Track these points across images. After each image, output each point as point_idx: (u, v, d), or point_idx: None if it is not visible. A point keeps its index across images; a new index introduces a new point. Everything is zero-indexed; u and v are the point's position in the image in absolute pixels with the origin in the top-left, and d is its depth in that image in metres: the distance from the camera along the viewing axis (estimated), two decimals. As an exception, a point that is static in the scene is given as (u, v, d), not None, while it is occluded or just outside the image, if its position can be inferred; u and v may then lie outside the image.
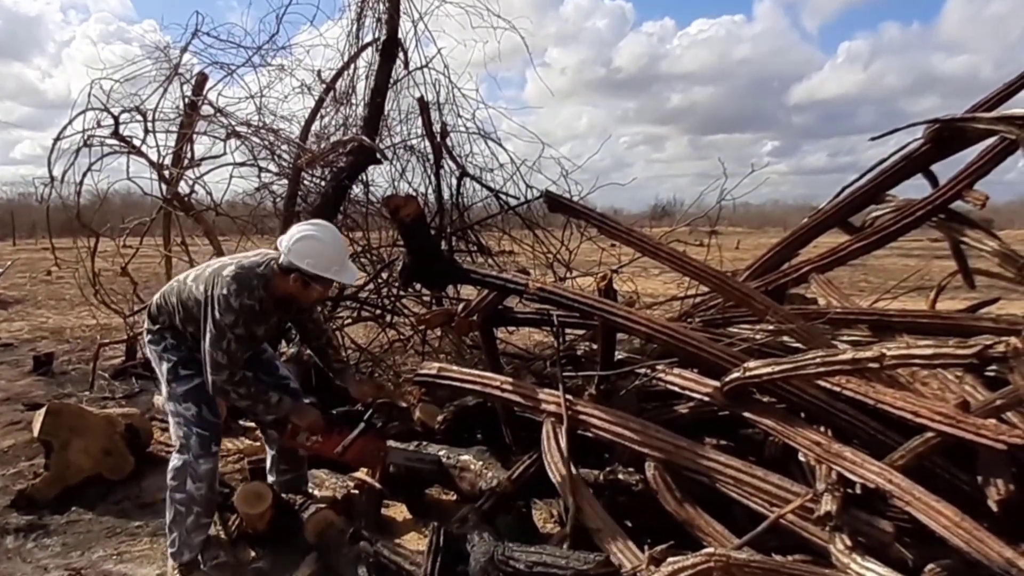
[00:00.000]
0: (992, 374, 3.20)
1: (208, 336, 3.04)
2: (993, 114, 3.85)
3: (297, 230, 3.17)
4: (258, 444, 4.42)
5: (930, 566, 2.49)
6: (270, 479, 3.68)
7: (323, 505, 3.44)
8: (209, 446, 3.21)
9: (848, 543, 2.49)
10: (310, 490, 3.76)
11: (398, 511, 3.96)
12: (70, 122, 5.81)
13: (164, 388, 3.30)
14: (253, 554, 3.38)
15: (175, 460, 3.24)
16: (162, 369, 3.29)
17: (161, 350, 3.29)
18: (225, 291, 3.03)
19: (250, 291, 3.07)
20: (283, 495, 3.54)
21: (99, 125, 5.78)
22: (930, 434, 2.75)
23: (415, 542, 3.54)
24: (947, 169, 4.18)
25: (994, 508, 2.56)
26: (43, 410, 4.21)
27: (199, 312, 3.12)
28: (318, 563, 3.13)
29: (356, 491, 3.75)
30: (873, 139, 4.54)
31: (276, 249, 3.26)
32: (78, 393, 6.19)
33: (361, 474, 3.91)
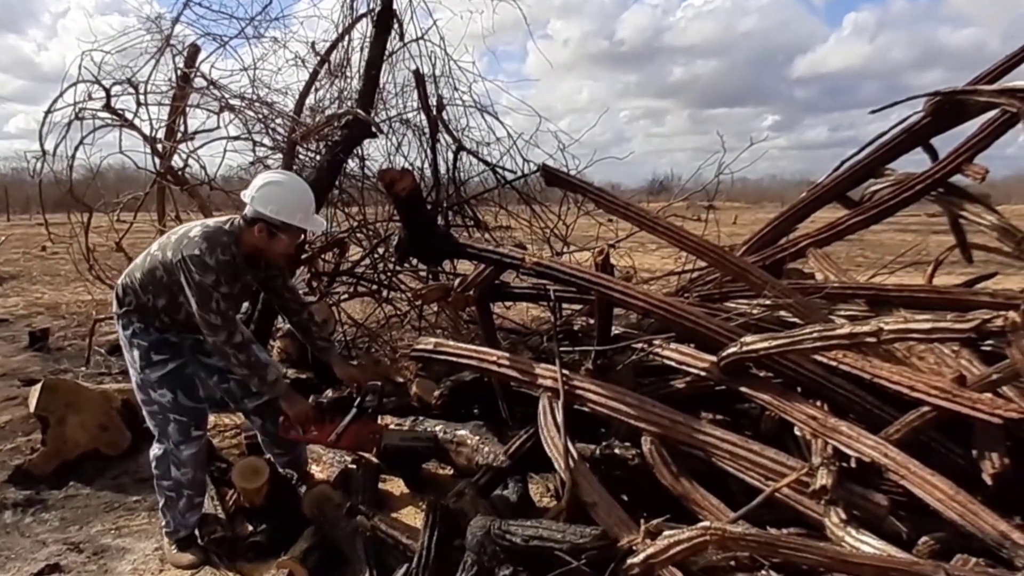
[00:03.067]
0: (989, 348, 3.21)
1: (194, 301, 2.93)
2: (994, 87, 3.82)
3: (260, 178, 3.08)
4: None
5: (924, 539, 2.52)
6: None
7: (320, 479, 3.45)
8: (188, 431, 3.14)
9: (843, 516, 2.51)
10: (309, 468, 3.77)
11: (395, 486, 3.98)
12: (61, 95, 5.72)
13: (135, 376, 3.16)
14: (250, 528, 3.39)
15: (155, 449, 3.20)
16: (133, 356, 3.14)
17: (130, 335, 3.14)
18: (197, 251, 2.92)
19: (223, 247, 2.98)
20: (280, 470, 3.55)
21: (90, 98, 5.70)
22: (926, 408, 2.76)
23: (412, 517, 3.56)
24: (947, 143, 4.15)
25: (988, 482, 2.58)
26: (39, 385, 4.20)
27: (169, 280, 3.01)
28: (315, 537, 3.14)
29: (353, 466, 3.77)
30: (872, 112, 4.51)
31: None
32: (74, 368, 6.19)
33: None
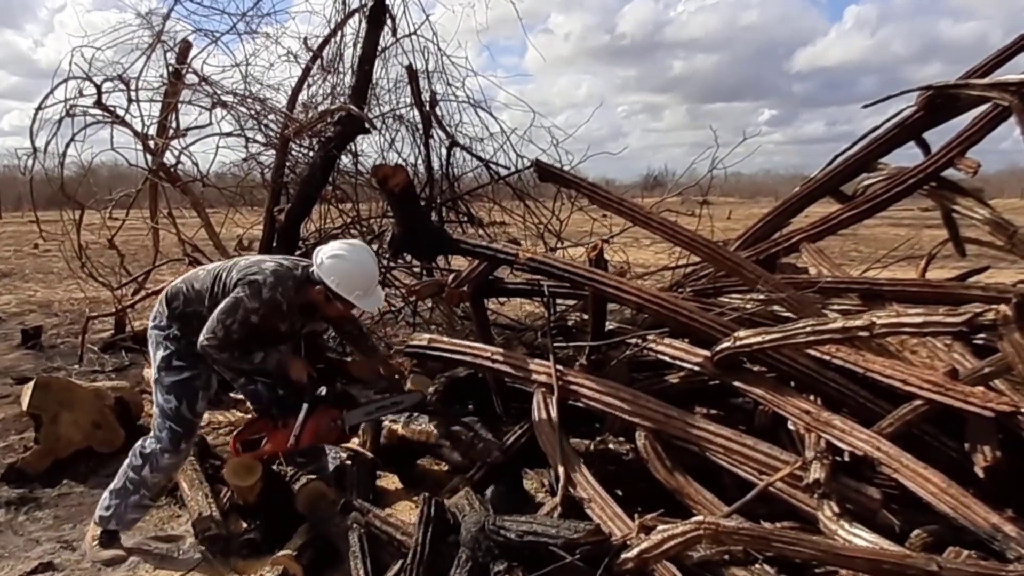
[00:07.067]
0: (981, 342, 3.21)
1: (222, 306, 3.05)
2: (986, 80, 3.82)
3: (334, 247, 3.20)
4: (248, 417, 4.41)
5: (917, 532, 2.53)
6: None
7: (314, 476, 3.43)
8: (179, 443, 3.21)
9: (836, 510, 2.51)
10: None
11: (390, 481, 3.98)
12: (51, 91, 5.71)
13: (153, 374, 3.27)
14: (244, 526, 3.39)
15: (147, 443, 3.25)
16: (156, 355, 3.24)
17: (163, 336, 3.24)
18: (260, 278, 3.08)
19: (284, 288, 3.11)
20: (273, 467, 3.54)
21: (81, 94, 5.68)
22: (919, 402, 2.76)
23: (407, 512, 3.56)
24: (940, 137, 4.16)
25: (981, 475, 2.58)
26: (32, 383, 4.19)
27: (223, 298, 3.11)
28: (310, 534, 3.14)
29: (348, 462, 3.76)
30: (866, 106, 4.49)
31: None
32: (67, 366, 6.17)
33: (353, 444, 3.91)
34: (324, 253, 3.16)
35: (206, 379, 3.28)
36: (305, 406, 3.28)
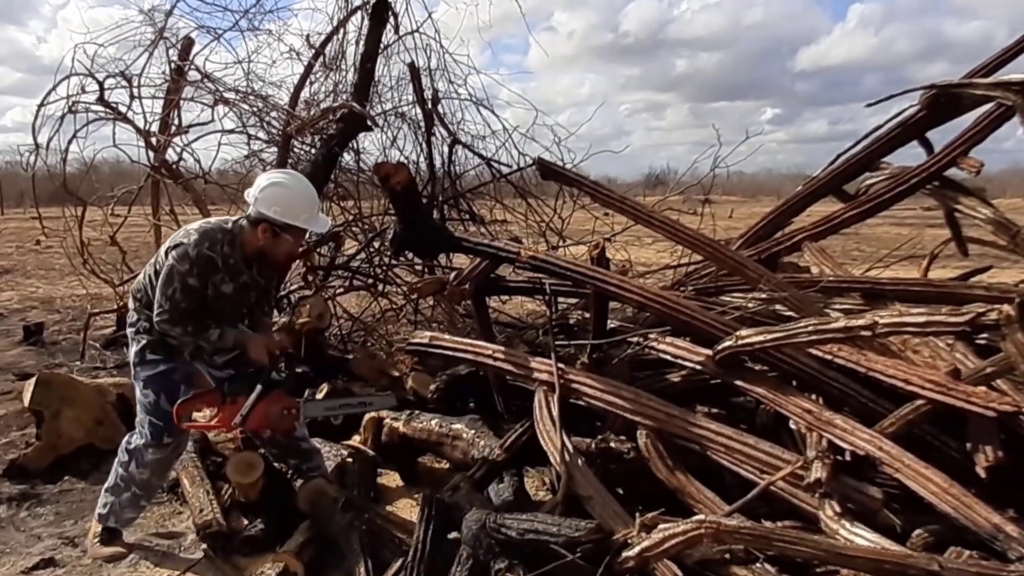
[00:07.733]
0: (983, 342, 3.20)
1: (160, 280, 2.97)
2: (990, 80, 3.81)
3: (264, 178, 3.07)
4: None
5: (918, 532, 2.52)
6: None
7: (315, 474, 3.44)
8: (161, 436, 3.13)
9: (837, 509, 2.51)
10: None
11: (391, 479, 3.99)
12: (54, 88, 5.71)
13: (132, 372, 3.22)
14: (246, 523, 3.39)
15: (132, 439, 3.22)
16: (132, 352, 3.20)
17: (134, 332, 3.18)
18: (185, 240, 2.98)
19: (212, 243, 2.98)
20: (275, 464, 3.55)
21: (83, 91, 5.68)
22: (920, 401, 2.76)
23: (408, 510, 3.56)
24: (943, 136, 4.15)
25: (982, 475, 2.58)
26: (33, 380, 4.19)
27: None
28: (311, 531, 3.14)
29: (350, 459, 3.76)
30: (868, 105, 4.48)
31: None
32: (69, 363, 6.18)
33: (354, 442, 3.91)
34: (256, 189, 3.02)
35: (185, 372, 3.21)
36: (259, 388, 3.10)
